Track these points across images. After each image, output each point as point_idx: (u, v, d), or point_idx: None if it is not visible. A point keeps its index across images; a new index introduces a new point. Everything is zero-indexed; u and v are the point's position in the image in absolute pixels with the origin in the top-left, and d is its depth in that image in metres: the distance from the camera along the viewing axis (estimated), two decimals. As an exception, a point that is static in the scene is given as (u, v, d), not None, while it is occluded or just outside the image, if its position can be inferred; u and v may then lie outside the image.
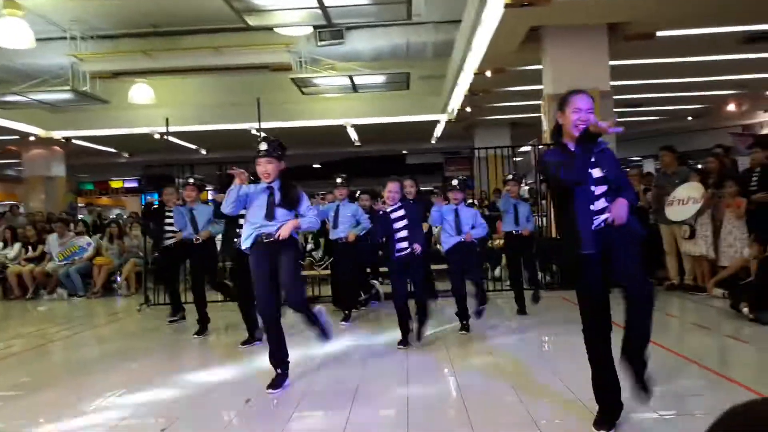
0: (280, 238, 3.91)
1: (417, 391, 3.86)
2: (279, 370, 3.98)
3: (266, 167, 3.97)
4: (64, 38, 9.68)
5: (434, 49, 10.23)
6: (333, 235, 6.69)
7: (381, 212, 5.16)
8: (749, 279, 6.15)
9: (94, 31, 9.75)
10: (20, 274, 9.83)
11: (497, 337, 5.44)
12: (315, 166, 24.00)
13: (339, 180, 6.71)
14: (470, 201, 6.00)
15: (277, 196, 3.99)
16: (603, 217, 2.93)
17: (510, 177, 6.67)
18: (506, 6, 6.60)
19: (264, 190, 4.01)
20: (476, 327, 5.65)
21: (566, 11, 7.13)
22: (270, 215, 3.95)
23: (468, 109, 13.41)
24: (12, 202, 20.49)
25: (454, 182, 5.88)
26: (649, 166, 16.74)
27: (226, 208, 3.99)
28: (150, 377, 4.51)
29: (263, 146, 3.95)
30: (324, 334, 4.19)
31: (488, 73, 9.91)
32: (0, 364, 5.30)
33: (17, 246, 10.33)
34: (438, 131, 16.40)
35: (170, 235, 6.50)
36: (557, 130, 3.11)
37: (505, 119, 15.45)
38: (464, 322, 5.60)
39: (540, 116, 8.85)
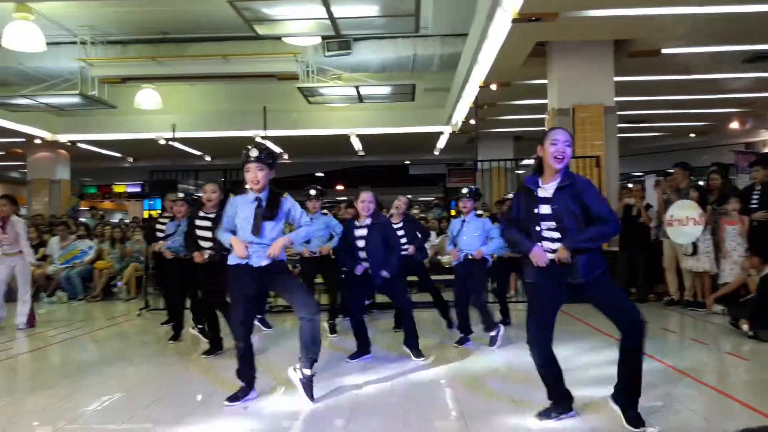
0: (272, 257, 3.78)
1: (412, 401, 3.88)
2: (245, 385, 3.89)
3: (256, 174, 3.75)
4: (74, 43, 9.76)
5: (440, 62, 10.30)
6: (307, 248, 6.20)
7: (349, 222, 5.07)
8: (749, 296, 6.17)
9: (104, 36, 9.82)
10: (22, 276, 9.82)
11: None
12: (318, 174, 24.10)
13: (313, 192, 6.19)
14: (479, 212, 5.73)
15: (265, 208, 3.81)
16: (551, 255, 3.22)
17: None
18: (514, 21, 6.67)
19: (252, 201, 3.81)
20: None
21: (573, 27, 7.19)
22: (257, 229, 3.77)
23: (472, 122, 13.46)
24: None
25: (464, 190, 5.57)
26: (650, 182, 16.79)
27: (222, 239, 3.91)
28: (147, 382, 4.52)
29: (254, 152, 3.76)
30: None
31: (493, 87, 9.99)
32: (-1, 365, 5.33)
33: (20, 248, 10.34)
34: (441, 143, 16.47)
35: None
36: (538, 164, 3.35)
37: (509, 132, 15.53)
38: (463, 336, 5.53)
39: (544, 130, 8.89)
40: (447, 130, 14.50)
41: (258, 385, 3.98)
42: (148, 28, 9.69)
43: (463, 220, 5.52)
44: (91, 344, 6.38)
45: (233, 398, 3.83)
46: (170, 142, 14.85)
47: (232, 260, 3.85)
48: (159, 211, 8.45)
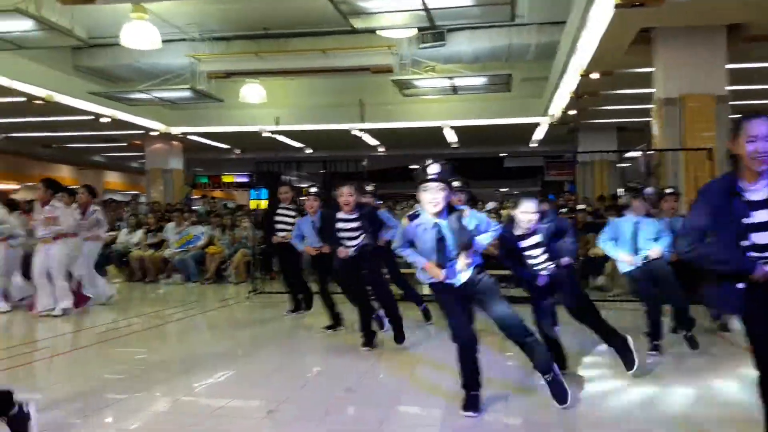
0: (464, 268, 3.37)
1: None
2: (473, 392, 3.46)
3: (435, 195, 3.26)
4: (184, 40, 10.44)
5: (537, 51, 10.06)
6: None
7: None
8: None
9: (211, 33, 10.45)
10: (142, 259, 10.68)
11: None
12: (412, 167, 24.25)
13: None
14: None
15: (448, 236, 3.34)
16: None
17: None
18: (616, 6, 6.41)
19: (431, 227, 3.36)
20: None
21: (680, 11, 6.81)
22: (442, 262, 3.36)
23: (572, 112, 13.07)
24: (135, 192, 22.33)
25: (649, 190, 5.12)
26: None
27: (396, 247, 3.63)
28: (256, 361, 4.79)
29: (434, 168, 3.27)
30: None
31: (594, 76, 9.64)
32: (122, 339, 5.86)
33: (140, 232, 11.25)
34: (538, 134, 16.08)
35: (282, 229, 6.73)
36: (733, 160, 2.56)
37: (612, 123, 14.90)
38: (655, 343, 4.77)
39: (649, 120, 8.50)
40: (544, 121, 14.13)
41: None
42: (251, 25, 10.18)
43: (637, 222, 4.98)
44: (204, 324, 6.86)
45: (469, 407, 3.41)
46: (273, 135, 15.53)
47: (427, 277, 3.51)
48: (266, 201, 9.02)
